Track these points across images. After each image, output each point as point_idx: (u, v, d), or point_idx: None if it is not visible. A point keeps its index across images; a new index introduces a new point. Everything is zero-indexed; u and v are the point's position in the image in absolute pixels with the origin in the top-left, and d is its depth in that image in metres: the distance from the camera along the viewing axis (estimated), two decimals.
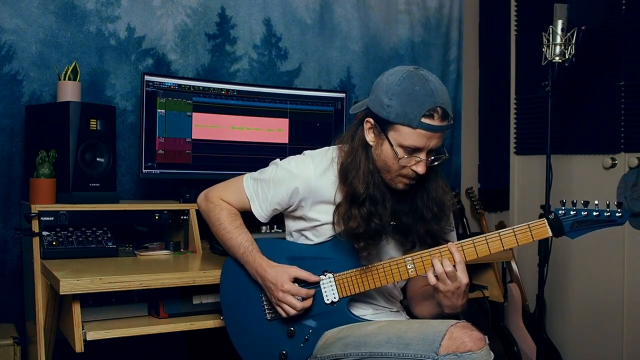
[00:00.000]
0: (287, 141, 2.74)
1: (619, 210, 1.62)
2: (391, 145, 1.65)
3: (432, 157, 1.66)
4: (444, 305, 1.67)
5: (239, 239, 1.82)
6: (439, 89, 1.62)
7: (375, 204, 1.68)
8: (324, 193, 1.78)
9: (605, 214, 1.62)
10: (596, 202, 1.65)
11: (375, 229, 1.68)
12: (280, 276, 1.73)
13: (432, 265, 1.64)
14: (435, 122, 1.60)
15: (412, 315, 1.94)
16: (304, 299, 1.73)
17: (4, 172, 2.45)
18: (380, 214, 1.69)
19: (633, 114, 2.88)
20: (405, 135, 1.62)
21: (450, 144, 3.52)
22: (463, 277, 1.62)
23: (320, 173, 1.79)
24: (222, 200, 1.91)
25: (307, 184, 1.79)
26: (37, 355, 2.00)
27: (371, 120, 1.69)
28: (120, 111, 2.61)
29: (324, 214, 1.79)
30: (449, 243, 1.67)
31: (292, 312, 1.72)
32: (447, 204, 1.76)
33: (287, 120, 2.74)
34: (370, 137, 1.71)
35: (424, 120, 1.59)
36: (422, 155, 1.64)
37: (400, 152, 1.64)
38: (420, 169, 1.65)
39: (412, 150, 1.64)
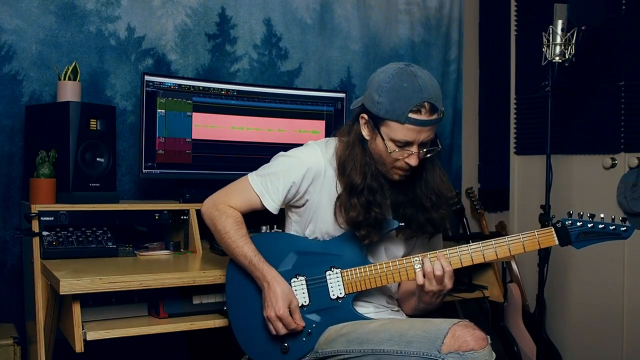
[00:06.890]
0: (287, 141, 2.73)
1: (624, 224, 1.67)
2: (383, 139, 1.70)
3: (425, 150, 1.71)
4: (422, 300, 1.76)
5: (245, 248, 1.81)
6: (427, 84, 1.66)
7: (374, 194, 1.73)
8: (328, 182, 1.81)
9: (610, 227, 1.69)
10: (602, 215, 1.70)
11: (375, 218, 1.73)
12: (282, 300, 1.72)
13: (422, 265, 1.69)
14: (422, 116, 1.65)
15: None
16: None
17: (4, 172, 2.45)
18: (379, 202, 1.74)
19: (633, 114, 2.88)
20: (395, 130, 1.67)
21: (451, 144, 3.51)
22: (448, 284, 1.69)
23: (329, 159, 1.82)
24: (228, 207, 1.88)
25: (318, 165, 1.81)
26: (37, 355, 2.00)
27: (365, 115, 1.74)
28: (120, 111, 2.61)
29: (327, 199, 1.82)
30: (439, 255, 1.71)
31: (280, 332, 1.74)
32: (445, 193, 1.80)
33: (287, 120, 2.74)
34: (365, 131, 1.76)
35: (411, 115, 1.64)
36: (414, 149, 1.69)
37: (391, 146, 1.69)
38: (413, 161, 1.69)
39: (403, 144, 1.68)
